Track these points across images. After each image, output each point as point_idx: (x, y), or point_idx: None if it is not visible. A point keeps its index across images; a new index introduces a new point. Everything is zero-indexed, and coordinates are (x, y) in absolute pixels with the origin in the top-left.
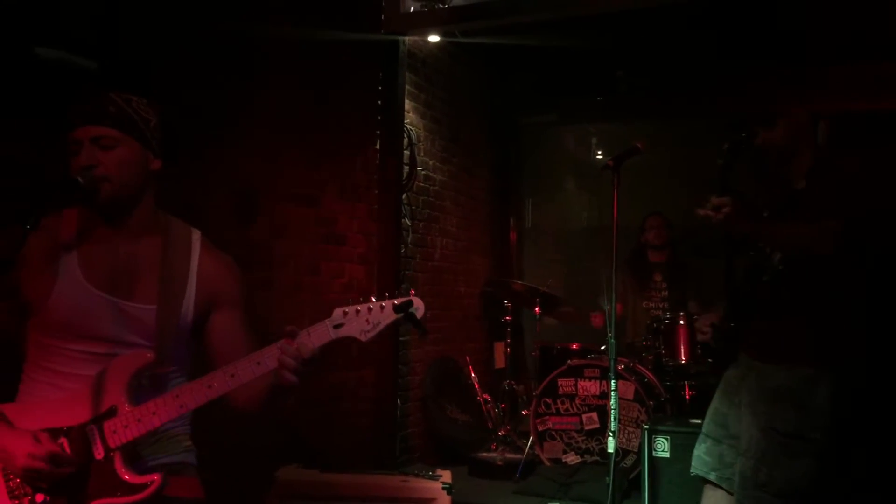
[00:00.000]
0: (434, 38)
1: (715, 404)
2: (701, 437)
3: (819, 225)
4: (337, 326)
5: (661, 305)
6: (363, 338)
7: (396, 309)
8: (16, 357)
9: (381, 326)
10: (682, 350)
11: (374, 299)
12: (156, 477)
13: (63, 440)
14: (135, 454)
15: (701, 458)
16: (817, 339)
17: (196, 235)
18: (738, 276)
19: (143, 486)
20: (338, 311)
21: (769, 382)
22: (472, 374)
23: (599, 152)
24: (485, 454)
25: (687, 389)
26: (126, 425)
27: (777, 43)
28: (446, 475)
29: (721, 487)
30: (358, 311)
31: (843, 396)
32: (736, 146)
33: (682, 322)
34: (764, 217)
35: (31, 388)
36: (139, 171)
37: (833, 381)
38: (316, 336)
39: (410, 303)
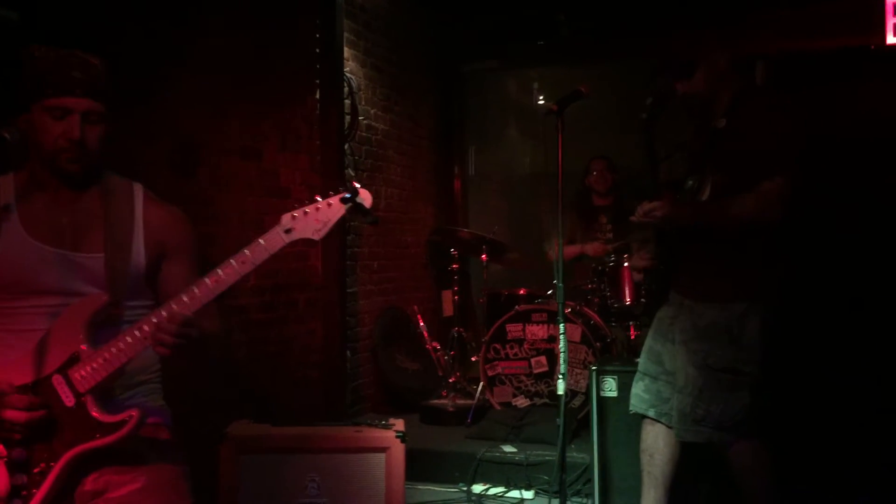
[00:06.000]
0: None
1: (649, 342)
2: (638, 375)
3: (759, 193)
4: (288, 231)
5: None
6: (317, 237)
7: (343, 201)
8: None
9: (332, 222)
10: (627, 291)
11: (319, 198)
12: (133, 412)
13: (29, 395)
14: (107, 395)
15: (639, 395)
16: (746, 277)
17: (138, 187)
18: None
19: (122, 423)
20: (286, 217)
21: (702, 320)
22: (421, 323)
23: (542, 97)
24: (436, 401)
25: (632, 329)
26: (93, 368)
27: None
28: (399, 424)
29: (659, 422)
30: (306, 213)
31: (773, 329)
32: (658, 100)
33: (626, 264)
34: (701, 203)
35: None
36: (107, 142)
37: (762, 316)
38: (269, 243)
39: (356, 192)
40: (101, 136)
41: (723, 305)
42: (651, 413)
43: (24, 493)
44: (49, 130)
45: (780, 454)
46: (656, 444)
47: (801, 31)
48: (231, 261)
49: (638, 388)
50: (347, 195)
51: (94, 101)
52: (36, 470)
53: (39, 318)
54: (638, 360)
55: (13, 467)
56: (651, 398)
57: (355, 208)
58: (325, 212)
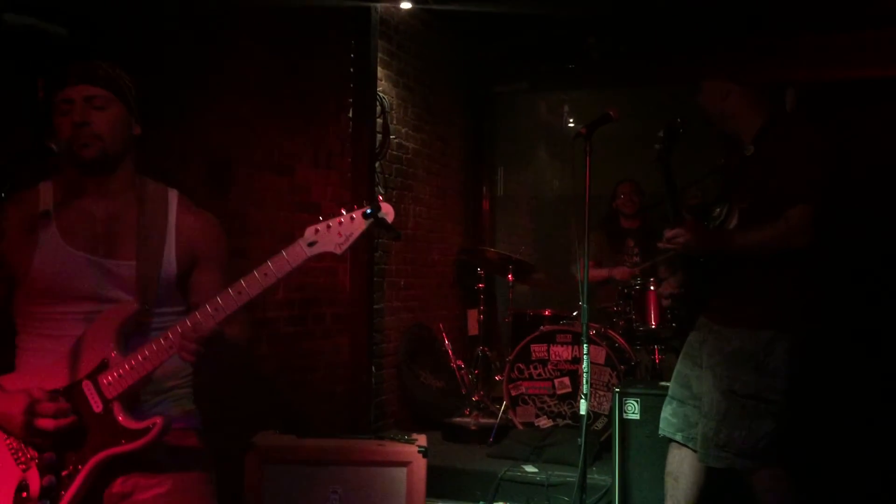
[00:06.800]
0: (406, 5)
1: (678, 367)
2: (667, 399)
3: (784, 220)
4: (311, 244)
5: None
6: (338, 251)
7: (366, 216)
8: (7, 330)
9: (354, 237)
10: (652, 315)
11: (343, 212)
12: (157, 420)
13: (60, 400)
14: (134, 402)
15: (667, 419)
16: (774, 303)
17: (173, 193)
18: None
19: (146, 430)
20: (310, 230)
21: (728, 346)
22: (446, 341)
23: (571, 120)
24: (459, 419)
25: (657, 353)
26: (120, 374)
27: (750, 9)
28: (422, 439)
29: (686, 446)
30: (329, 227)
31: (800, 359)
32: (671, 131)
33: (652, 288)
34: (726, 230)
35: (25, 358)
36: (125, 133)
37: (790, 344)
38: (292, 256)
39: (379, 207)
40: (115, 121)
41: (750, 332)
42: (678, 437)
43: (54, 494)
44: (62, 127)
45: (803, 482)
46: (681, 468)
47: (833, 59)
48: (255, 272)
49: (666, 412)
50: (369, 210)
51: (92, 86)
52: (65, 472)
53: (74, 323)
54: (662, 383)
55: (44, 469)
56: (678, 422)
57: (378, 223)
58: (348, 225)
